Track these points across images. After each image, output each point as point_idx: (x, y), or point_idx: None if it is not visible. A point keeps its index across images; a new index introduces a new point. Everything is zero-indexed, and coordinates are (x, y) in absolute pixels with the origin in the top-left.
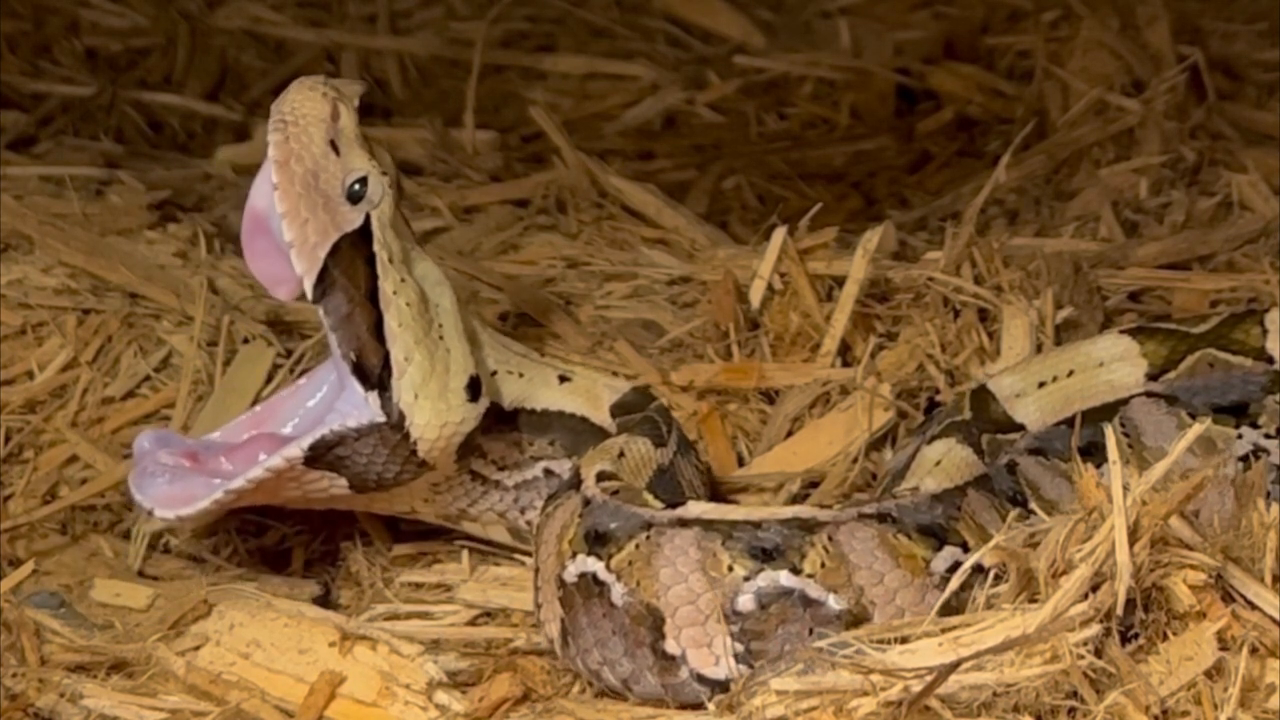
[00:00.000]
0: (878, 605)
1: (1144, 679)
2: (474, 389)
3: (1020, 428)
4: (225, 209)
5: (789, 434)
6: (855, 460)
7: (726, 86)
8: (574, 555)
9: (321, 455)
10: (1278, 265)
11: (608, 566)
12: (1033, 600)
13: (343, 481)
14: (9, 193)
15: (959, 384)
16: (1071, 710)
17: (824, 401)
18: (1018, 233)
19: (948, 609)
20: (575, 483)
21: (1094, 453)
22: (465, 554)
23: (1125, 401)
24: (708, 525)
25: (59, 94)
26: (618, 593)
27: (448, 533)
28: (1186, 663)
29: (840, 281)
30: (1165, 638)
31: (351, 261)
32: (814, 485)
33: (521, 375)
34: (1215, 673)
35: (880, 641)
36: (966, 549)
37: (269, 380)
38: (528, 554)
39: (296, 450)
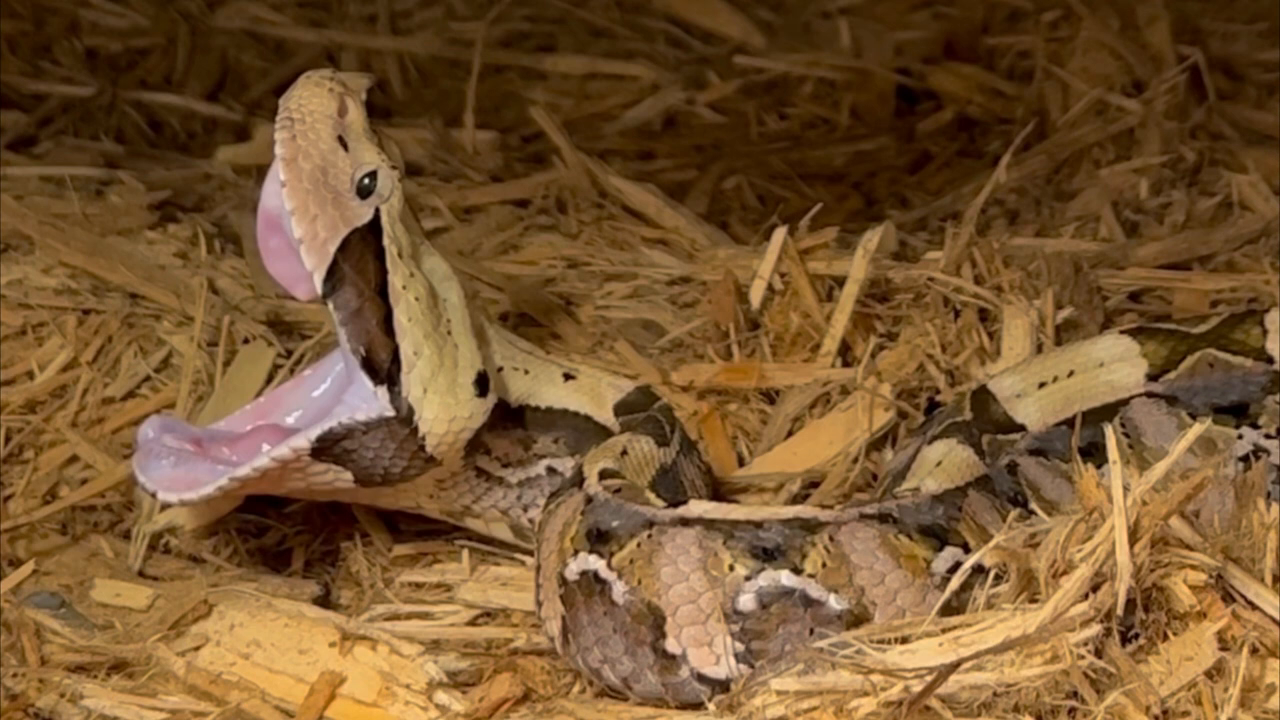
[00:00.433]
0: (879, 606)
1: (1144, 679)
2: (482, 385)
3: (1021, 428)
4: (225, 209)
5: (789, 434)
6: (855, 460)
7: (726, 86)
8: (576, 553)
9: (328, 447)
10: (1278, 265)
11: (609, 564)
12: (1033, 600)
13: (348, 475)
14: (9, 193)
15: (959, 384)
16: (1072, 710)
17: (824, 401)
18: (1018, 233)
19: (948, 609)
20: (578, 480)
21: (1094, 453)
22: (465, 554)
23: (1125, 402)
24: (709, 524)
25: (59, 94)
26: (619, 591)
27: (448, 533)
28: (1187, 663)
29: (840, 281)
30: (1165, 638)
31: (361, 256)
32: (814, 485)
33: (527, 372)
34: (1215, 673)
35: (880, 641)
36: (968, 550)
37: (269, 380)
38: (529, 553)
39: (304, 441)
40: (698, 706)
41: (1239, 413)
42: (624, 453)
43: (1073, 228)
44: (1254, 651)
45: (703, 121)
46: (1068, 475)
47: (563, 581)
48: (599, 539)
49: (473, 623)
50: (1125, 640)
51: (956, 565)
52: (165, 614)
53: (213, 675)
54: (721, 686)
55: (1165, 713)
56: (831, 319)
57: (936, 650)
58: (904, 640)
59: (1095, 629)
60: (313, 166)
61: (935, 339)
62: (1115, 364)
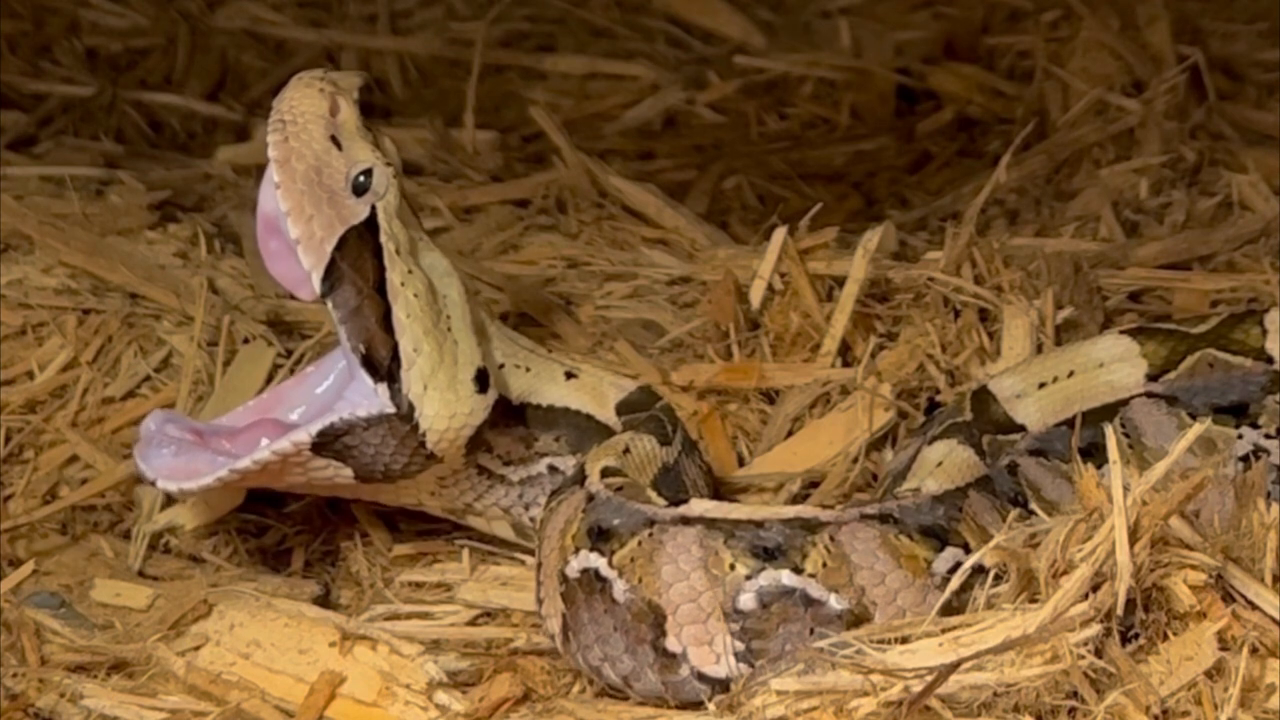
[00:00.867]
0: (879, 606)
1: (1144, 679)
2: (482, 381)
3: (1021, 429)
4: (225, 209)
5: (789, 434)
6: (855, 460)
7: (726, 86)
8: (577, 550)
9: (329, 443)
10: (1278, 265)
11: (610, 562)
12: (1033, 600)
13: (348, 471)
14: (9, 193)
15: (959, 384)
16: (1072, 710)
17: (824, 401)
18: (1018, 233)
19: (948, 609)
20: (580, 478)
21: (1094, 453)
22: (465, 554)
23: (1125, 402)
24: (710, 523)
25: (59, 94)
26: (619, 589)
27: (448, 532)
28: (1187, 663)
29: (840, 281)
30: (1165, 638)
31: (359, 254)
32: (814, 485)
33: (529, 370)
34: (1215, 673)
35: (880, 641)
36: (968, 550)
37: (269, 380)
38: (529, 552)
39: (304, 435)
40: (697, 705)
41: (1239, 413)
42: (626, 451)
43: (1073, 228)
44: (1254, 651)
45: (703, 121)
46: (1068, 475)
47: (564, 579)
48: (600, 537)
49: (473, 623)
50: (1125, 640)
51: (957, 565)
52: (165, 614)
53: (213, 675)
54: (721, 685)
55: (1165, 713)
56: (831, 319)
57: (936, 650)
58: (904, 640)
59: (1095, 629)
60: (306, 167)
61: (935, 339)
62: (1115, 364)
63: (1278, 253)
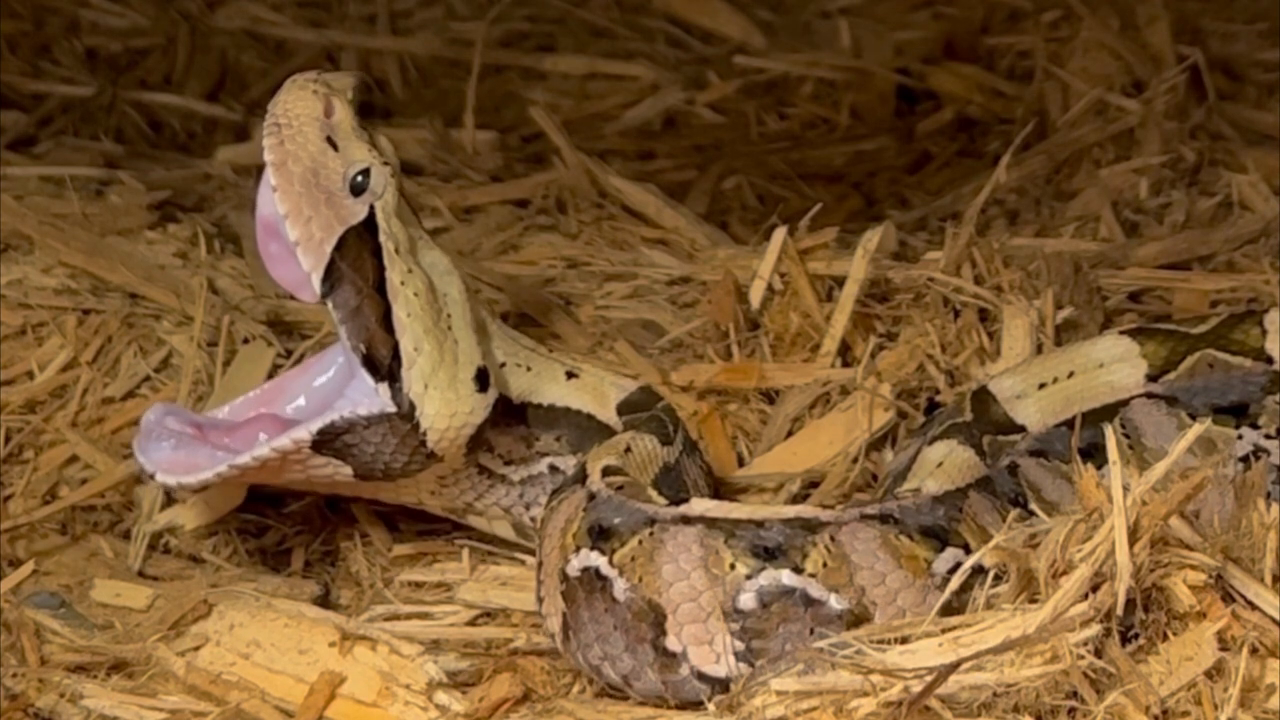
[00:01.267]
0: (879, 606)
1: (1144, 679)
2: (482, 380)
3: (1021, 429)
4: (225, 209)
5: (789, 434)
6: (855, 460)
7: (726, 86)
8: (577, 549)
9: (329, 441)
10: (1278, 265)
11: (610, 561)
12: (1033, 600)
13: (347, 469)
14: (9, 193)
15: (959, 384)
16: (1071, 710)
17: (824, 402)
18: (1018, 233)
19: (948, 609)
20: (581, 477)
21: (1094, 454)
22: (465, 554)
23: (1125, 403)
24: (711, 523)
25: (59, 94)
26: (620, 588)
27: (448, 532)
28: (1186, 663)
29: (840, 281)
30: (1165, 638)
31: (358, 254)
32: (814, 485)
33: (529, 369)
34: (1215, 673)
35: (880, 642)
36: (969, 551)
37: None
38: (529, 552)
39: (304, 433)
40: (697, 705)
41: (1239, 413)
42: (627, 450)
43: (1073, 228)
44: (1254, 651)
45: (703, 121)
46: (1068, 476)
47: (564, 578)
48: (601, 536)
49: (473, 623)
50: (1125, 640)
51: (957, 566)
52: (165, 614)
53: (213, 675)
54: (721, 685)
55: (1165, 713)
56: (831, 319)
57: (936, 650)
58: (904, 640)
59: (1095, 629)
60: (303, 169)
61: (935, 339)
62: (1115, 364)
63: (1278, 253)
